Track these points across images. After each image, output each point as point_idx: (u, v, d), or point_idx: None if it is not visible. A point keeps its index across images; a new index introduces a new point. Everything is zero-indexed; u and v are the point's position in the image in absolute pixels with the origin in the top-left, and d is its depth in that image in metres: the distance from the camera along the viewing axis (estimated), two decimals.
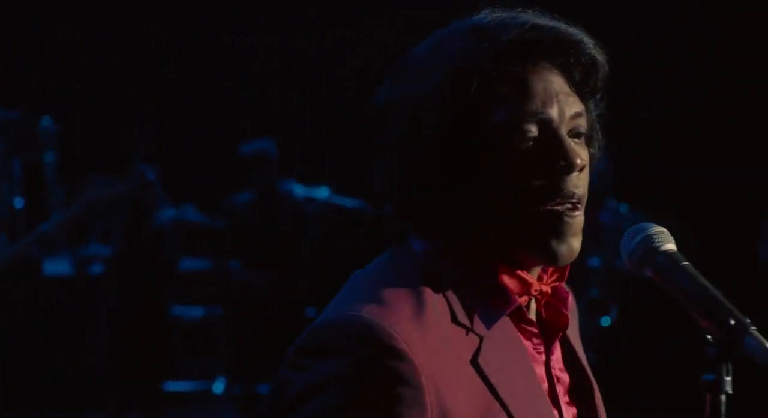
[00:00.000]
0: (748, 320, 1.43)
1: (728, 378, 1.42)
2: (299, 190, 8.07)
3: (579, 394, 1.67)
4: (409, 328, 1.47)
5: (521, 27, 1.54)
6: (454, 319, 1.52)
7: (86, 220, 5.74)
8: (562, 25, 1.58)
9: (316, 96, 9.35)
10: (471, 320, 1.53)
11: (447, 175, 1.54)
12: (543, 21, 1.57)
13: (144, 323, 7.59)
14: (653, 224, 1.54)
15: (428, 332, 1.48)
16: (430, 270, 1.56)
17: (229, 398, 8.75)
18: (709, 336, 1.44)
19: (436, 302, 1.52)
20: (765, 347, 1.40)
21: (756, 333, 1.42)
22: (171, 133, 9.41)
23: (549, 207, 1.52)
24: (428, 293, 1.52)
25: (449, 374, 1.48)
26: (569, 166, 1.53)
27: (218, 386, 8.99)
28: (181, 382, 9.14)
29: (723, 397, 1.42)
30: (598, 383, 1.69)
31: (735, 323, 1.42)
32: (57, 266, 8.50)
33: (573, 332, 1.70)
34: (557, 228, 1.53)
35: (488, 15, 1.59)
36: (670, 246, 1.52)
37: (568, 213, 1.53)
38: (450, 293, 1.54)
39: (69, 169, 7.90)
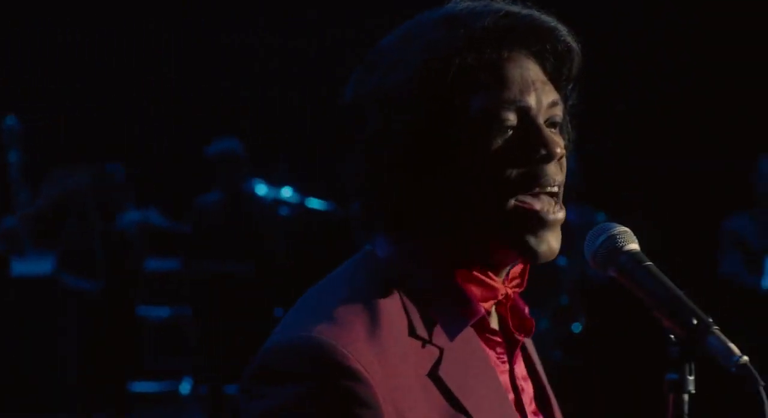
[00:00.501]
0: (711, 320, 1.43)
1: (691, 377, 1.42)
2: (267, 190, 8.04)
3: (543, 403, 1.66)
4: (364, 347, 1.43)
5: (495, 14, 1.52)
6: (412, 332, 1.49)
7: (51, 215, 5.68)
8: (535, 12, 1.56)
9: (316, 96, 9.31)
10: (431, 332, 1.50)
11: (423, 170, 1.51)
12: (516, 8, 1.55)
13: (111, 324, 7.53)
14: (616, 224, 1.54)
15: (384, 349, 1.45)
16: (391, 279, 1.52)
17: (196, 398, 8.72)
18: (672, 336, 1.44)
19: (393, 316, 1.49)
20: (727, 346, 1.40)
21: (718, 333, 1.41)
22: (162, 133, 9.36)
23: (528, 199, 1.50)
24: (386, 305, 1.49)
25: (408, 391, 1.45)
26: (549, 155, 1.51)
27: (185, 387, 8.96)
28: (147, 382, 9.10)
29: (686, 396, 1.42)
30: (568, 385, 1.68)
31: (697, 323, 1.42)
32: (25, 267, 8.44)
33: (530, 343, 1.68)
34: (537, 226, 1.51)
35: (459, 4, 1.56)
36: (634, 246, 1.51)
37: (549, 210, 1.51)
38: (410, 304, 1.51)
39: (34, 169, 7.84)
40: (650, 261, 1.50)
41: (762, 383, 1.35)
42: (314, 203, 8.39)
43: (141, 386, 9.04)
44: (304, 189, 8.35)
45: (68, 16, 9.47)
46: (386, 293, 1.50)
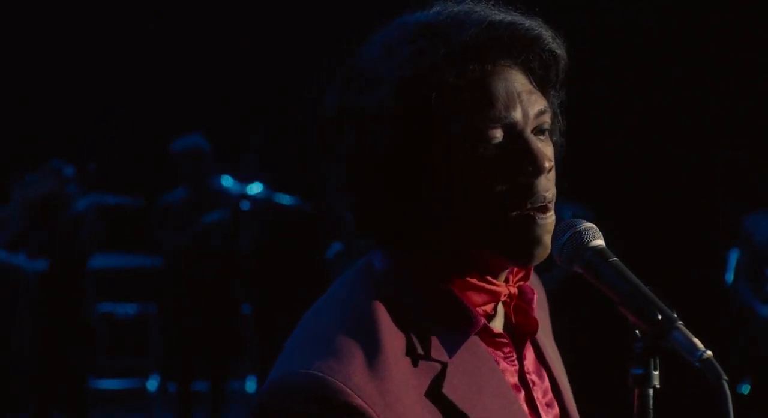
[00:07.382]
0: (675, 315, 1.43)
1: (656, 372, 1.43)
2: (234, 186, 8.01)
3: (555, 392, 1.66)
4: (363, 380, 1.42)
5: (478, 26, 1.48)
6: (413, 351, 1.48)
7: (27, 222, 5.63)
8: (518, 19, 1.51)
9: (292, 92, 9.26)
10: (432, 349, 1.49)
11: (406, 188, 1.49)
12: (499, 16, 1.50)
13: (64, 315, 7.41)
14: (582, 221, 1.54)
15: (385, 376, 1.44)
16: (389, 295, 1.51)
17: (164, 395, 8.69)
18: (637, 331, 1.45)
19: (393, 337, 1.47)
20: (691, 341, 1.40)
21: (683, 328, 1.42)
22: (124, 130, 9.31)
23: (519, 212, 1.49)
24: (385, 326, 1.48)
25: (413, 415, 1.44)
26: (538, 170, 1.49)
27: (152, 384, 8.93)
28: (114, 380, 9.07)
29: (650, 391, 1.43)
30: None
31: (662, 318, 1.42)
32: None
33: (543, 329, 1.68)
34: (530, 232, 1.50)
35: (440, 11, 1.52)
36: (599, 242, 1.52)
37: (540, 216, 1.50)
38: (410, 321, 1.50)
39: None
40: (616, 257, 1.50)
41: (725, 377, 1.36)
42: (283, 199, 8.37)
43: (108, 384, 9.01)
44: (272, 184, 8.32)
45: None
46: (385, 313, 1.49)
